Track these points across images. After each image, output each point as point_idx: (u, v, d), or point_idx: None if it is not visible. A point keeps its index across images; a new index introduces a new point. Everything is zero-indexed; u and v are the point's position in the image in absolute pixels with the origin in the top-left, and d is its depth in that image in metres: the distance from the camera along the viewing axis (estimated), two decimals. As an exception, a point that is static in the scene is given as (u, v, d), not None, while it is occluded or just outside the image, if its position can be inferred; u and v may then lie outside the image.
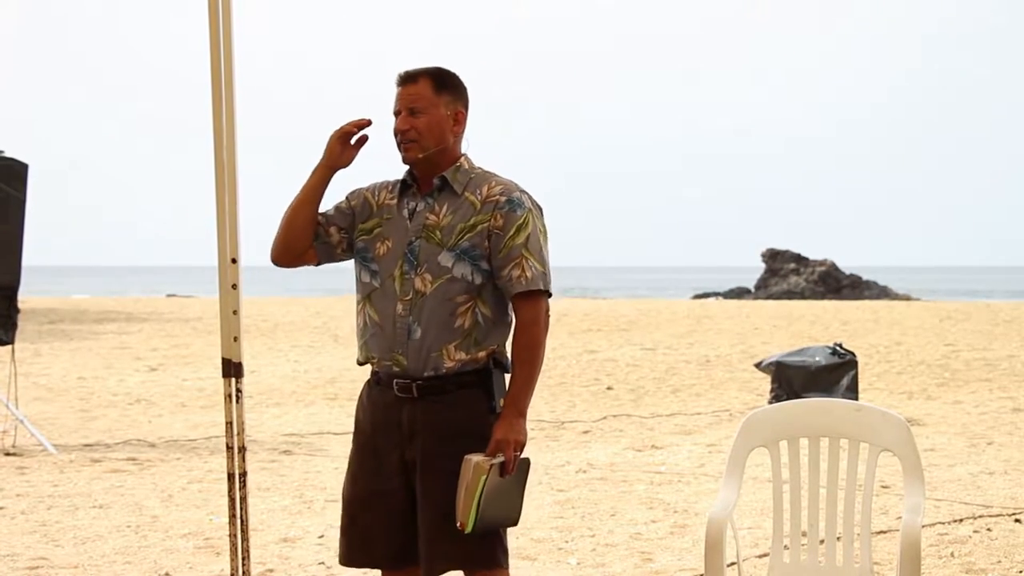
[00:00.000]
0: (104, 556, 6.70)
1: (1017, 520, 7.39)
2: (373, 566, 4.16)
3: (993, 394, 13.78)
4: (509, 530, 4.14)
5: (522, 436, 3.97)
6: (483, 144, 4.23)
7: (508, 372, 4.08)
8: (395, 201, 4.14)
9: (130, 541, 7.03)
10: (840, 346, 12.12)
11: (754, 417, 4.77)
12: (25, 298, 16.79)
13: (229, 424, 4.72)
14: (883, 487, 8.04)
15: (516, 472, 3.97)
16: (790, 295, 46.50)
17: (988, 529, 7.16)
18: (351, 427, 4.27)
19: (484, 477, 3.89)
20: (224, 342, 4.73)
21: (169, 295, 49.93)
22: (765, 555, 6.14)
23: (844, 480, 4.67)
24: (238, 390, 4.72)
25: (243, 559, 4.73)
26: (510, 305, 4.08)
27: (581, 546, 6.85)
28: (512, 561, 4.20)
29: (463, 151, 4.15)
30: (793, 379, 11.78)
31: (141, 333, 23.53)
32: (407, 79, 4.09)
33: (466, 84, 4.16)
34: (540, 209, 4.12)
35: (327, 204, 4.20)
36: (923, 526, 5.40)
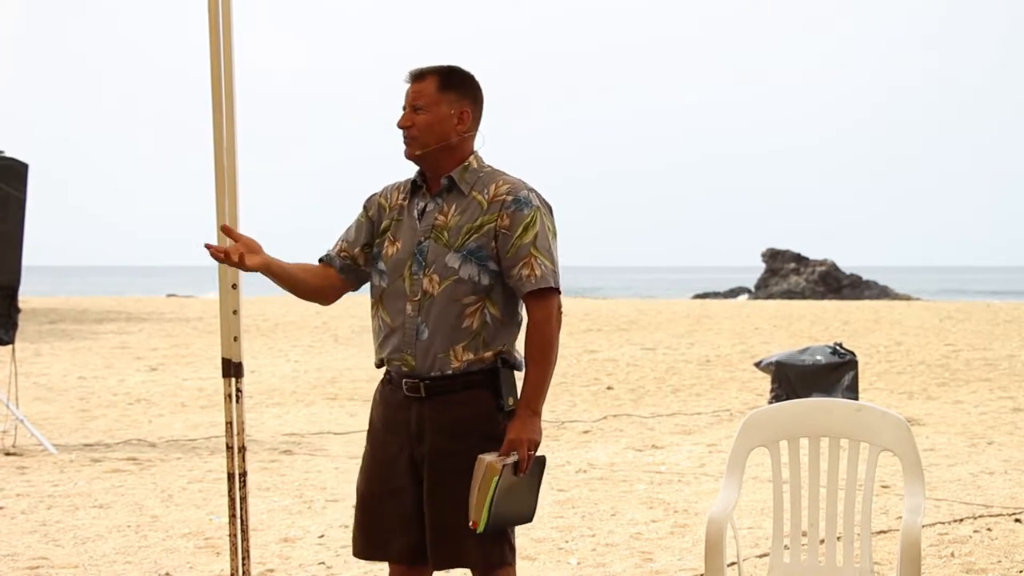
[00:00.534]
0: (104, 556, 6.70)
1: (1017, 520, 7.39)
2: (385, 559, 4.18)
3: (993, 394, 13.78)
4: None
5: (536, 435, 3.98)
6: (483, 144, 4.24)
7: (517, 370, 4.09)
8: (406, 201, 4.15)
9: (130, 541, 7.03)
10: (840, 346, 12.11)
11: (754, 417, 4.77)
12: (25, 298, 16.82)
13: (229, 424, 4.73)
14: (883, 487, 8.04)
15: (530, 471, 3.98)
16: (790, 295, 46.49)
17: (988, 529, 7.16)
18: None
19: (496, 478, 3.89)
20: (224, 342, 4.73)
21: (169, 295, 49.92)
22: (765, 555, 6.14)
23: (844, 480, 4.67)
24: (238, 390, 4.72)
25: (243, 559, 4.74)
26: (520, 305, 4.08)
27: (581, 546, 6.85)
28: (514, 560, 4.21)
29: (476, 149, 4.14)
30: (793, 379, 11.77)
31: (141, 333, 23.53)
32: (415, 76, 4.11)
33: (480, 83, 4.15)
34: (549, 207, 4.11)
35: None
36: (923, 526, 5.40)
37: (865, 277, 48.91)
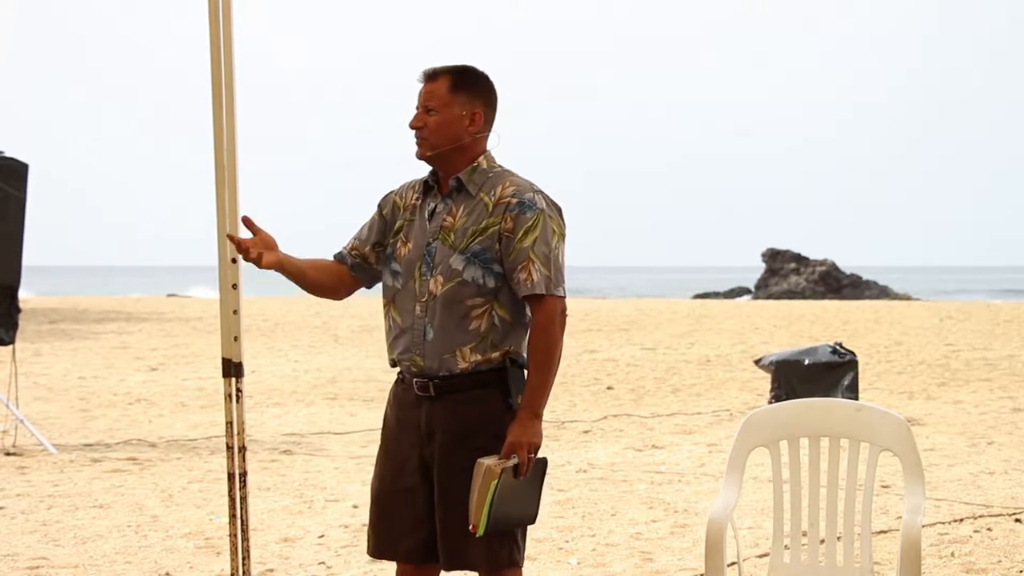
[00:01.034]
0: (104, 556, 6.70)
1: (1017, 520, 7.39)
2: (396, 559, 4.19)
3: (993, 394, 13.78)
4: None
5: (536, 438, 3.98)
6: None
7: (527, 369, 4.08)
8: (419, 201, 4.16)
9: (130, 541, 7.03)
10: (840, 346, 12.11)
11: (754, 417, 4.77)
12: (25, 298, 16.81)
13: (229, 424, 4.72)
14: (883, 487, 8.04)
15: (531, 473, 3.98)
16: (790, 295, 46.49)
17: (988, 529, 7.16)
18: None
19: (495, 482, 3.90)
20: (224, 342, 4.73)
21: (169, 295, 49.92)
22: (765, 555, 6.14)
23: (844, 480, 4.67)
24: (238, 390, 4.72)
25: (243, 559, 4.73)
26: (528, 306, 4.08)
27: (581, 546, 6.86)
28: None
29: (489, 148, 4.13)
30: (793, 379, 11.77)
31: (141, 333, 23.53)
32: (428, 76, 4.10)
33: (494, 83, 4.13)
34: (557, 208, 4.09)
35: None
36: (923, 526, 5.40)
37: (865, 277, 48.91)
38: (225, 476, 4.80)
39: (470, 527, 3.94)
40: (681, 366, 17.12)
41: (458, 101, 4.05)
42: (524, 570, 4.20)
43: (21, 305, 10.82)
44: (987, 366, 16.70)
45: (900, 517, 5.40)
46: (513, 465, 3.94)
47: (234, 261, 4.70)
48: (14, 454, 9.92)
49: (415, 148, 4.11)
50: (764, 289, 49.12)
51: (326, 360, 18.13)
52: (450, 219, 4.06)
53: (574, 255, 4.27)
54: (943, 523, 7.31)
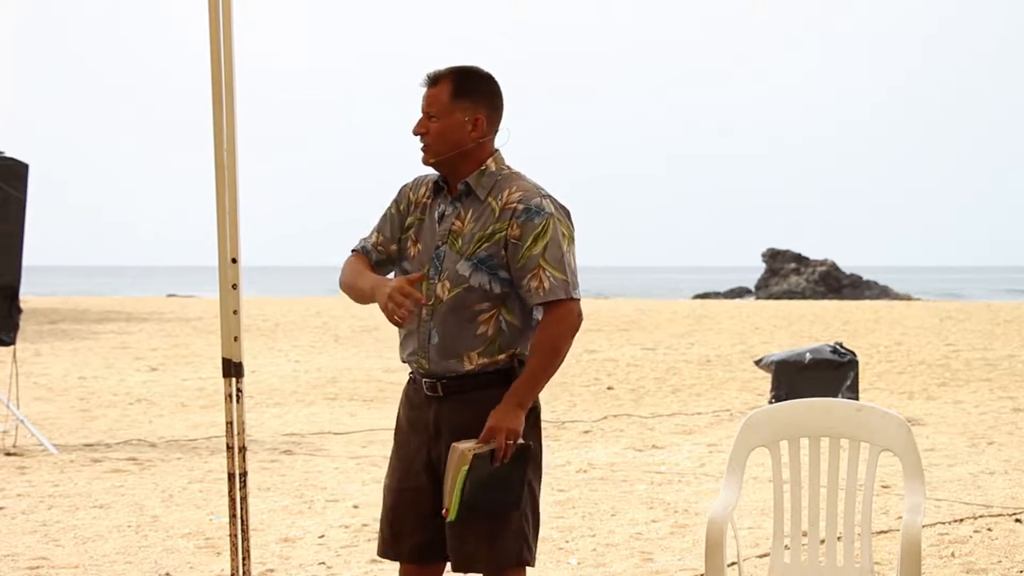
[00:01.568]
0: (104, 556, 6.70)
1: (1018, 520, 7.39)
2: (399, 559, 4.18)
3: (993, 394, 13.78)
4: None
5: (516, 425, 3.93)
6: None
7: None
8: (430, 200, 4.12)
9: (130, 541, 7.03)
10: (841, 346, 12.11)
11: (754, 417, 4.77)
12: (25, 298, 16.78)
13: (229, 424, 4.72)
14: (883, 487, 8.04)
15: (514, 459, 3.94)
16: (791, 295, 46.50)
17: (988, 529, 7.16)
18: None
19: (466, 467, 3.86)
20: (224, 342, 4.73)
21: (169, 295, 49.93)
22: (765, 555, 6.14)
23: (844, 480, 4.67)
24: (238, 390, 4.72)
25: (243, 559, 4.73)
26: (536, 310, 4.05)
27: (582, 546, 6.86)
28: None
29: (499, 146, 4.09)
30: (793, 379, 11.77)
31: (141, 333, 23.53)
32: (431, 81, 4.05)
33: (498, 84, 4.08)
34: (566, 211, 4.05)
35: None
36: (923, 526, 5.40)
37: (865, 277, 48.95)
38: (225, 476, 4.80)
39: (443, 511, 3.92)
40: (681, 366, 17.12)
41: (460, 107, 4.00)
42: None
43: (21, 305, 10.82)
44: (987, 366, 16.70)
45: (900, 517, 5.41)
46: (490, 451, 3.91)
47: (234, 261, 4.70)
48: (14, 454, 9.92)
49: (420, 154, 4.08)
50: (764, 289, 49.13)
51: (326, 360, 18.13)
52: (458, 223, 4.02)
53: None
54: (943, 523, 7.31)
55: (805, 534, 4.83)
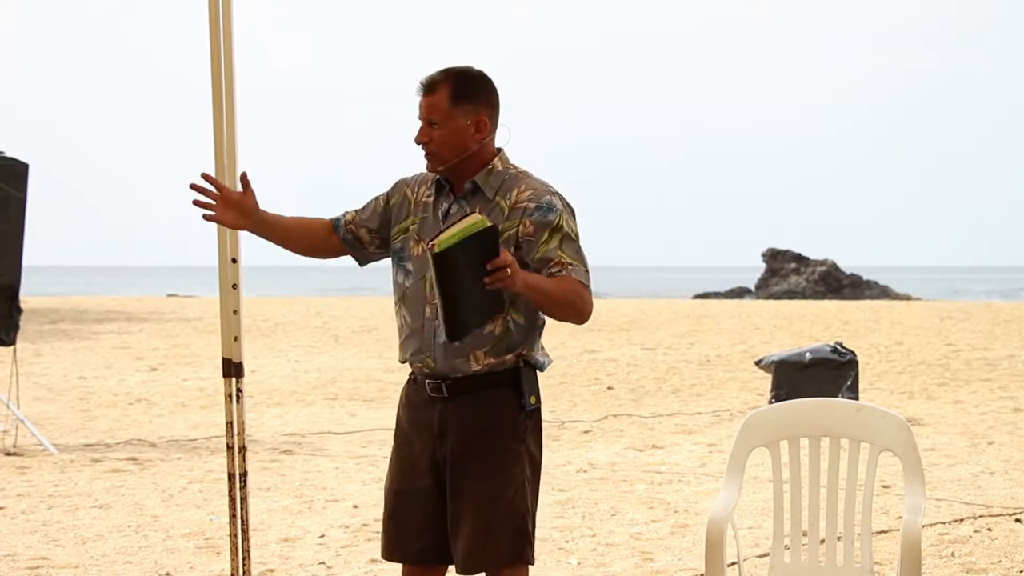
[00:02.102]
0: (105, 556, 6.70)
1: (1018, 520, 7.39)
2: (405, 561, 4.16)
3: (993, 394, 13.78)
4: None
5: (519, 278, 3.76)
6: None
7: (540, 370, 4.06)
8: (432, 199, 4.09)
9: (130, 541, 7.03)
10: (841, 346, 12.11)
11: (754, 417, 4.77)
12: (25, 298, 16.75)
13: (229, 424, 4.73)
14: (883, 487, 8.04)
15: (483, 256, 3.74)
16: (791, 295, 46.49)
17: (988, 529, 7.16)
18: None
19: (481, 228, 3.70)
20: (224, 342, 4.74)
21: (169, 295, 49.91)
22: (765, 555, 6.14)
23: (844, 480, 4.67)
24: (238, 390, 4.72)
25: (243, 559, 4.74)
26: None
27: (582, 546, 6.86)
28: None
29: (501, 145, 4.07)
30: (793, 379, 11.77)
31: (141, 333, 23.53)
32: (426, 89, 3.99)
33: (493, 81, 4.05)
34: (572, 210, 4.05)
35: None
36: (923, 526, 5.40)
37: (865, 277, 48.92)
38: (225, 476, 4.81)
39: (429, 243, 3.75)
40: (681, 366, 17.12)
41: (461, 111, 3.97)
42: (524, 570, 4.20)
43: (21, 305, 10.83)
44: (987, 366, 16.70)
45: (900, 517, 5.41)
46: (496, 240, 3.73)
47: (234, 261, 4.70)
48: (14, 454, 9.92)
49: (424, 162, 4.04)
50: (764, 289, 49.11)
51: (326, 360, 18.13)
52: None
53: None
54: (943, 523, 7.31)
55: (805, 534, 4.83)
